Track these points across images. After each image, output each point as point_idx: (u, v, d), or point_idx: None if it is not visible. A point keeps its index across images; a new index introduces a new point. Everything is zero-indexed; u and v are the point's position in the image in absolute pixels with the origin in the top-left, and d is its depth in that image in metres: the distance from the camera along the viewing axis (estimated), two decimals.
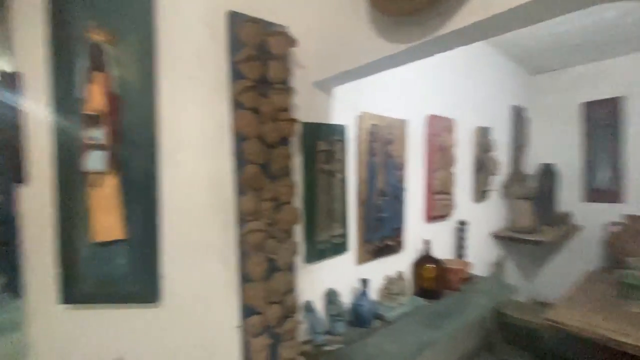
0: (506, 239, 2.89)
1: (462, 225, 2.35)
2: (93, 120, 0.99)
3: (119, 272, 1.09)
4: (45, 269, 1.07)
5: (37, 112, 1.08)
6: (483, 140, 2.65)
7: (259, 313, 1.22)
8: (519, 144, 3.22)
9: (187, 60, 1.12)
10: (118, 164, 1.05)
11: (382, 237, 1.76)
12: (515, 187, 3.04)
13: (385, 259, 1.84)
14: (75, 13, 1.03)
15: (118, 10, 1.05)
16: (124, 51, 1.06)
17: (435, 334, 1.57)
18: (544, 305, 3.09)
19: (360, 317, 1.54)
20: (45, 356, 1.14)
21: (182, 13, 1.11)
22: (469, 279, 2.20)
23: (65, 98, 1.03)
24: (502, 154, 2.93)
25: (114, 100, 1.04)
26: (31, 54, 1.08)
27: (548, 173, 3.29)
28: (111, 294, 1.10)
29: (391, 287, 1.76)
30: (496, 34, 0.97)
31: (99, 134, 1.00)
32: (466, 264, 2.21)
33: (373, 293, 1.72)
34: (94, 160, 1.00)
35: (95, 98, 1.01)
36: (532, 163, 3.41)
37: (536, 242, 2.71)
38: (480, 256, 2.69)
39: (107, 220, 1.05)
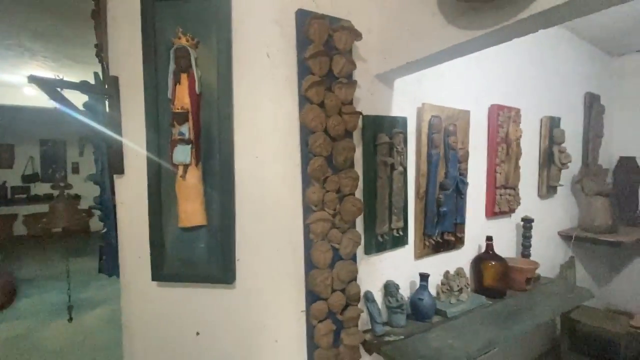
0: (577, 239, 2.64)
1: (526, 222, 2.20)
2: (181, 118, 1.10)
3: (199, 255, 1.20)
4: (140, 250, 1.22)
5: (133, 111, 1.22)
6: (551, 131, 2.44)
7: (323, 299, 1.27)
8: (593, 135, 2.91)
9: (259, 59, 1.19)
10: (200, 157, 1.16)
11: (442, 232, 1.72)
12: (589, 182, 2.76)
13: (445, 254, 1.79)
14: (164, 21, 1.15)
15: (200, 17, 1.15)
16: (205, 53, 1.15)
17: (500, 333, 1.50)
18: (621, 313, 2.78)
19: (420, 311, 1.53)
20: (137, 326, 1.30)
21: (255, 14, 1.18)
22: (535, 280, 2.06)
23: (156, 98, 1.16)
24: (573, 146, 2.67)
25: (197, 98, 1.14)
26: (127, 60, 1.23)
27: (629, 167, 2.93)
28: (193, 274, 1.21)
29: (451, 283, 1.71)
30: (585, 13, 0.90)
31: (185, 130, 1.11)
32: (532, 263, 2.07)
33: (432, 288, 1.69)
34: (181, 154, 1.11)
35: (182, 97, 1.12)
36: (609, 156, 3.07)
37: (614, 244, 2.45)
38: (547, 256, 2.50)
39: (191, 207, 1.16)
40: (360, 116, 1.32)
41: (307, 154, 1.24)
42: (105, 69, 1.38)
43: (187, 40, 1.12)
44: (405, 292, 1.62)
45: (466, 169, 1.80)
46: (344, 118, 1.26)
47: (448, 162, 1.70)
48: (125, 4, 1.21)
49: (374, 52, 1.40)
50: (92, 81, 1.39)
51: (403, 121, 1.54)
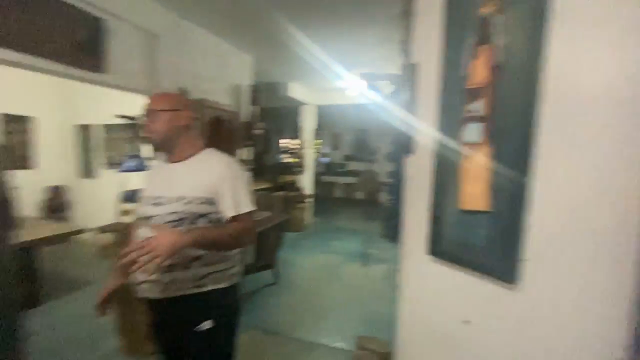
0: None
1: None
2: (474, 94, 1.05)
3: (477, 242, 1.12)
4: (420, 224, 1.32)
5: (426, 94, 1.30)
6: None
7: None
8: None
9: (592, 2, 0.88)
10: (491, 136, 1.05)
11: None
12: None
13: None
14: None
15: None
16: (512, 18, 1.00)
17: None
18: None
19: None
20: (409, 290, 1.44)
21: None
22: None
23: (450, 77, 1.16)
24: None
25: (495, 71, 1.03)
26: (426, 46, 1.31)
27: None
28: (467, 260, 1.16)
29: None
30: None
31: (478, 107, 1.04)
32: None
33: None
34: (471, 132, 1.06)
35: (478, 72, 1.05)
36: None
37: None
38: None
39: (474, 190, 1.09)
40: None
41: None
42: (407, 60, 1.56)
43: (492, 7, 1.02)
44: None
45: None
46: None
47: None
48: None
49: None
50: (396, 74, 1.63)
51: None
